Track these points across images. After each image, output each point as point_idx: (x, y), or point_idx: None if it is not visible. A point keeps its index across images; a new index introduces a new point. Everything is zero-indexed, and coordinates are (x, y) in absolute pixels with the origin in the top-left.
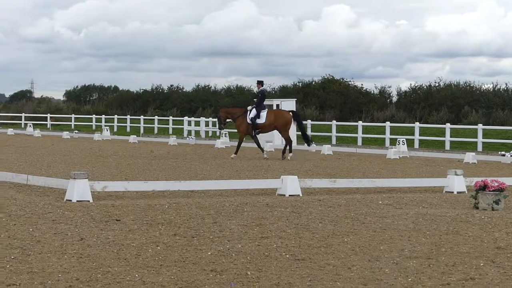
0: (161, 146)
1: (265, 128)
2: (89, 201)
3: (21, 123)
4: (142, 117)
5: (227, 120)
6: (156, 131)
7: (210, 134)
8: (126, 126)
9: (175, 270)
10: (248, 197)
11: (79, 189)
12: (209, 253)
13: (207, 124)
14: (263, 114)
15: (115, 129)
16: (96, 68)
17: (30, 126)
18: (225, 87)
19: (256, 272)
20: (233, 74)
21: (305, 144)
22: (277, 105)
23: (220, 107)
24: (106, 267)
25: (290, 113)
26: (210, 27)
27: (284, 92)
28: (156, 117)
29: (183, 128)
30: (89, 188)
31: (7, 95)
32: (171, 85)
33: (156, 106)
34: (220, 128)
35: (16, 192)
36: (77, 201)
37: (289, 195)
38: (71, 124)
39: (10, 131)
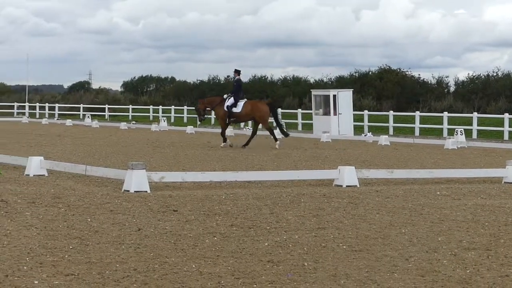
0: (218, 136)
1: (240, 118)
2: (146, 191)
3: (79, 114)
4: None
5: (207, 109)
6: (213, 121)
7: None
8: (183, 116)
9: (232, 260)
10: (305, 188)
11: (136, 180)
12: (266, 244)
13: None
14: (240, 103)
15: (172, 120)
16: (153, 59)
17: (88, 117)
18: (281, 78)
19: (313, 263)
20: (290, 65)
21: (282, 136)
22: (334, 96)
23: (197, 99)
24: (163, 257)
25: (267, 105)
26: (267, 18)
27: (340, 83)
28: None
29: None
30: (147, 179)
31: (65, 86)
32: (228, 76)
33: None
34: (200, 120)
35: (74, 183)
36: (134, 191)
37: (346, 186)
38: (128, 115)
39: (68, 122)
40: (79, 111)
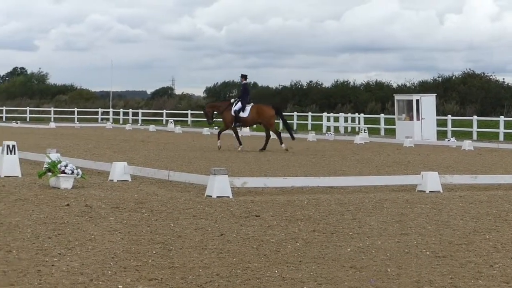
0: (300, 142)
1: (247, 122)
2: (229, 197)
3: (162, 120)
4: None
5: (214, 112)
6: (295, 127)
7: (349, 130)
8: None
9: (314, 266)
10: (387, 193)
11: (219, 185)
12: (349, 249)
13: (346, 120)
14: (248, 108)
15: (254, 126)
16: (236, 65)
17: (171, 122)
18: (364, 83)
19: (396, 269)
20: (373, 70)
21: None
22: (417, 101)
23: (206, 103)
24: (246, 262)
25: (273, 109)
26: (351, 23)
27: (423, 87)
28: (295, 113)
29: (322, 124)
30: (229, 184)
31: (149, 92)
32: (310, 81)
33: (295, 102)
34: (209, 123)
35: (157, 188)
36: (217, 196)
37: (429, 191)
38: None
39: (151, 127)
40: (162, 117)
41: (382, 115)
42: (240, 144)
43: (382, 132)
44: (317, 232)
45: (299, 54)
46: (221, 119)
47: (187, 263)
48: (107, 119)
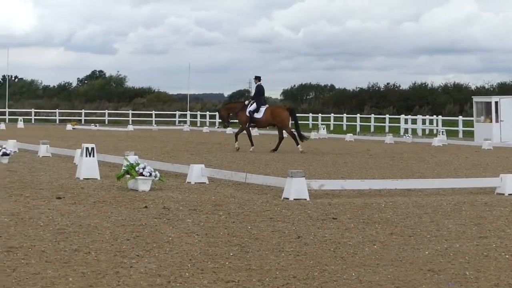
0: (377, 144)
1: (260, 123)
2: (306, 199)
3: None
4: (358, 115)
5: (230, 114)
6: (372, 129)
7: (427, 132)
8: (342, 124)
9: (392, 269)
10: (465, 196)
11: (296, 188)
12: (427, 252)
13: (424, 122)
14: (262, 109)
15: (332, 128)
16: (313, 67)
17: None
18: (442, 85)
19: (474, 272)
20: (451, 71)
21: (299, 140)
22: (496, 102)
23: (223, 106)
24: (323, 265)
25: (287, 111)
26: (429, 24)
27: (503, 89)
28: (372, 115)
29: (399, 126)
30: (306, 187)
31: (226, 95)
32: (388, 83)
33: (372, 104)
34: (225, 126)
35: (234, 190)
36: (294, 199)
37: (508, 194)
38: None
39: (229, 130)
40: None
41: (460, 117)
42: (252, 145)
43: (460, 135)
44: (394, 235)
45: (376, 56)
46: (237, 121)
47: (264, 266)
48: (185, 122)
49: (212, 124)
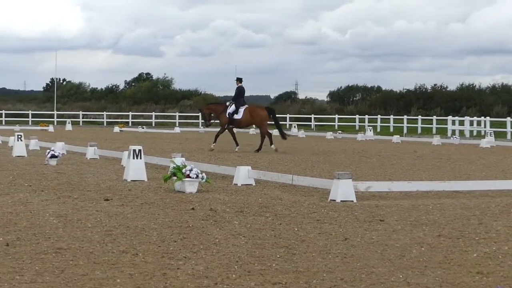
0: (424, 146)
1: (241, 124)
2: (353, 201)
3: (285, 124)
4: (405, 117)
5: (211, 115)
6: (419, 130)
7: (474, 133)
8: (389, 126)
9: (439, 271)
10: None
11: (343, 189)
12: (475, 254)
13: (471, 124)
14: (241, 110)
15: (378, 129)
16: (360, 68)
17: (294, 126)
18: (490, 86)
19: None
20: (499, 72)
21: (281, 137)
22: None
23: (204, 105)
24: (370, 267)
25: (265, 110)
26: (477, 25)
27: None
28: (419, 117)
29: (446, 127)
30: (353, 188)
31: (272, 97)
32: (435, 84)
33: (419, 105)
34: (206, 125)
35: (281, 192)
36: (341, 201)
37: None
38: (334, 125)
39: (275, 132)
40: (286, 121)
41: (508, 119)
42: (237, 145)
43: (509, 136)
44: (442, 237)
45: (423, 57)
46: (218, 121)
47: (311, 268)
48: None
49: None
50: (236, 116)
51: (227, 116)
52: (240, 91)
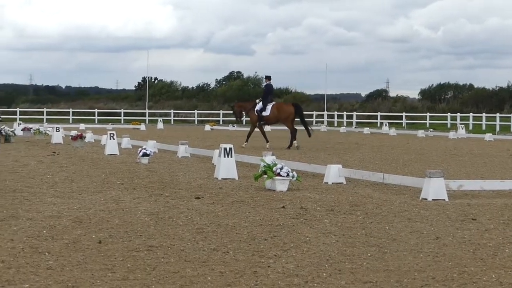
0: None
1: (269, 120)
2: (444, 199)
3: (376, 122)
4: (498, 114)
5: (242, 112)
6: None
7: None
8: (481, 124)
9: None
10: None
11: (434, 188)
12: None
13: None
14: (269, 107)
15: (470, 127)
16: (452, 66)
17: (385, 125)
18: None
19: None
20: None
21: (307, 135)
22: None
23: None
24: (462, 266)
25: (292, 106)
26: None
27: None
28: None
29: None
30: (445, 187)
31: (363, 95)
32: None
33: None
34: (237, 122)
35: (372, 191)
36: (432, 199)
37: None
38: (425, 123)
39: (366, 130)
40: (377, 119)
41: None
42: (267, 141)
43: None
44: None
45: None
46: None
47: (402, 266)
48: (322, 122)
49: (349, 124)
50: (264, 113)
51: (256, 113)
52: (268, 88)
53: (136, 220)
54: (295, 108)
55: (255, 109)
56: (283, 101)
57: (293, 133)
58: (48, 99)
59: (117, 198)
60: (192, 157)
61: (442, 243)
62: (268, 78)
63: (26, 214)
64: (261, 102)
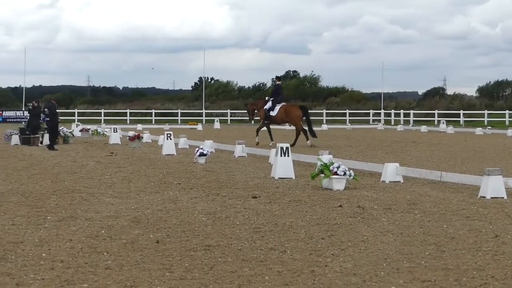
0: None
1: (276, 120)
2: (503, 197)
3: (434, 120)
4: None
5: (255, 110)
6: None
7: None
8: None
9: None
10: None
11: (493, 186)
12: None
13: None
14: (277, 107)
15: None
16: (510, 63)
17: (443, 123)
18: None
19: None
20: None
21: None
22: None
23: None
24: None
25: (300, 109)
26: None
27: None
28: None
29: None
30: (504, 185)
31: (420, 93)
32: None
33: None
34: (250, 119)
35: (430, 189)
36: (491, 197)
37: None
38: (484, 120)
39: (423, 128)
40: (434, 117)
41: None
42: (272, 140)
43: None
44: None
45: None
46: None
47: (460, 265)
48: (379, 120)
49: (406, 122)
50: (271, 113)
51: (264, 112)
52: (277, 88)
53: (194, 219)
54: (302, 111)
55: (264, 108)
56: (340, 100)
57: (304, 133)
58: (105, 100)
59: (174, 198)
60: (249, 157)
61: (501, 241)
62: (278, 78)
63: (84, 214)
64: (270, 101)
